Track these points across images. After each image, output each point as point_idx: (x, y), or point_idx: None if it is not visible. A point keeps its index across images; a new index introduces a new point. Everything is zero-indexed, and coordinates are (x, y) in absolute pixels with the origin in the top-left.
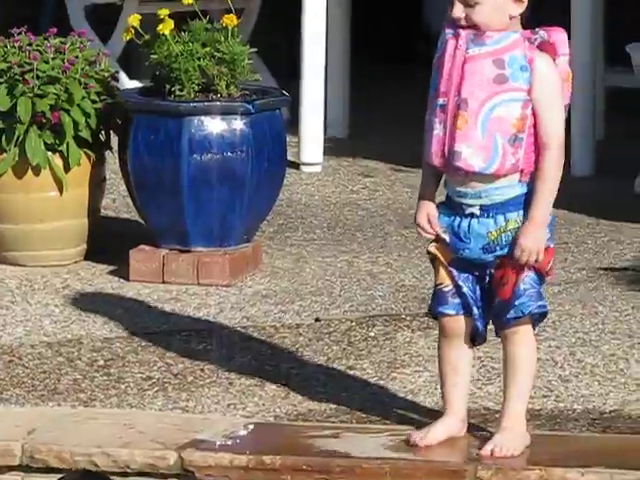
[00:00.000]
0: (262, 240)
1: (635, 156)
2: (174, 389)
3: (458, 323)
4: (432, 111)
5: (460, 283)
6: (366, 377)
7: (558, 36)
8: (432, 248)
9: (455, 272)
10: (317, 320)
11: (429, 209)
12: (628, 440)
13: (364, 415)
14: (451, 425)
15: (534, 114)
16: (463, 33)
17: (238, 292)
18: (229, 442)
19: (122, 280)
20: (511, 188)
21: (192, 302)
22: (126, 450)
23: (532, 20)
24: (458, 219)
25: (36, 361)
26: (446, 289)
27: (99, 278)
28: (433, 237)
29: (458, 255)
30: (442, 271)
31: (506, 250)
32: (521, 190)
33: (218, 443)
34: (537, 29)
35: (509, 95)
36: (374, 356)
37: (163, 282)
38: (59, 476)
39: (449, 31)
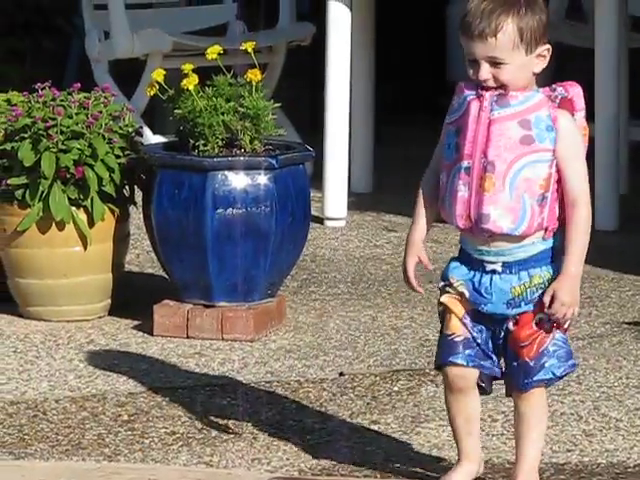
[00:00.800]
0: (286, 295)
1: None
2: (198, 444)
3: (469, 375)
4: (455, 174)
5: (475, 334)
6: (390, 431)
7: (575, 91)
8: (446, 299)
9: (470, 323)
10: (341, 374)
11: (420, 253)
12: None
13: (388, 469)
14: (471, 471)
15: (558, 171)
16: (487, 94)
17: (262, 347)
18: None
19: (146, 335)
20: (535, 245)
21: (216, 357)
22: None
23: (557, 78)
24: (478, 275)
25: (60, 416)
26: (458, 339)
27: (123, 333)
28: (421, 293)
29: (479, 309)
30: (455, 321)
31: (531, 306)
32: (545, 246)
33: None
34: (554, 85)
35: (536, 156)
36: (398, 411)
37: (187, 337)
38: None
39: (470, 92)
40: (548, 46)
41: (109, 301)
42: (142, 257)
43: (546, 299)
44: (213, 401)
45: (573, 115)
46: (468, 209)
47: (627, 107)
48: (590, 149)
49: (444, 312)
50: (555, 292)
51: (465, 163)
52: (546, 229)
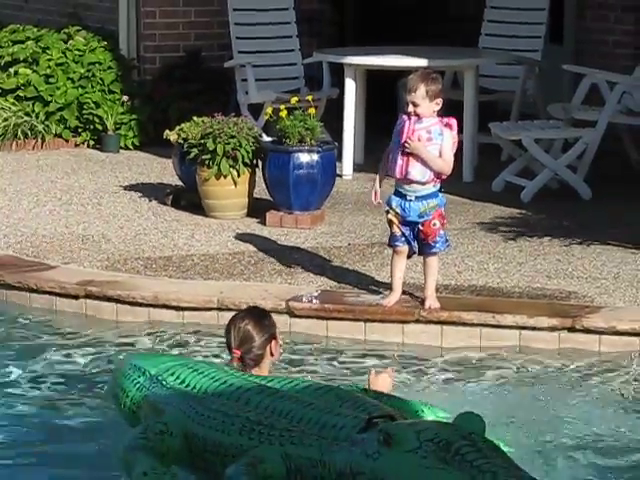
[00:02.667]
0: (325, 208)
1: None
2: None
3: (404, 248)
4: (395, 150)
5: (405, 231)
6: (371, 270)
7: (452, 121)
8: (390, 216)
9: (402, 227)
10: (349, 244)
11: (378, 189)
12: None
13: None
14: (398, 296)
15: (441, 155)
16: (413, 118)
17: (314, 232)
18: None
19: (262, 225)
20: (430, 188)
21: (294, 235)
22: None
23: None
24: (403, 201)
25: (226, 259)
26: (398, 234)
27: (252, 224)
28: (377, 203)
29: (405, 219)
30: (395, 227)
31: (429, 217)
32: (434, 189)
33: None
34: (444, 119)
35: (432, 146)
36: (375, 259)
37: (281, 227)
38: None
39: (405, 117)
40: (440, 99)
41: (246, 210)
42: (260, 190)
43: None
44: (294, 253)
45: (451, 131)
46: (401, 169)
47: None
48: (459, 147)
49: (390, 222)
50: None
51: (401, 149)
52: (434, 180)
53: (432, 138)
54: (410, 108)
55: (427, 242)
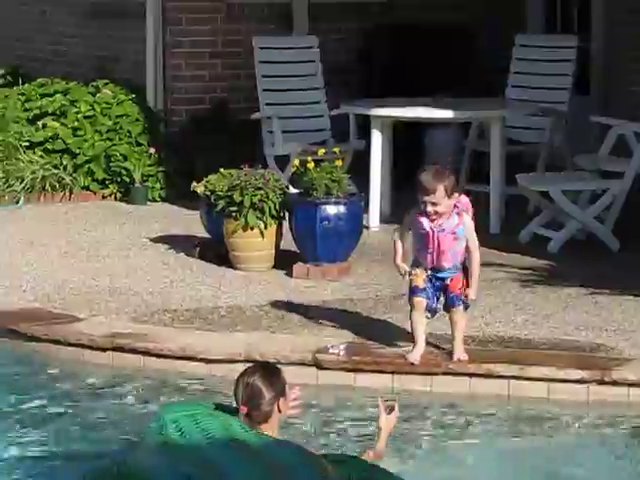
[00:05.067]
0: (352, 259)
1: None
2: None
3: (424, 301)
4: (423, 250)
5: (427, 286)
6: (397, 320)
7: (464, 202)
8: (415, 272)
9: (427, 282)
10: (377, 296)
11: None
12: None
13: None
14: (422, 348)
15: (468, 244)
16: (433, 223)
17: (341, 284)
18: None
19: (288, 277)
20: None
21: (322, 287)
22: None
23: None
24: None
25: (257, 311)
26: (420, 286)
27: (279, 277)
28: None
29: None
30: (420, 280)
31: (458, 272)
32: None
33: None
34: (457, 202)
35: (459, 242)
36: (401, 308)
37: (308, 278)
38: None
39: (422, 219)
40: (456, 192)
41: (273, 262)
42: (287, 242)
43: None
44: (321, 305)
45: (467, 214)
46: (432, 261)
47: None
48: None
49: (414, 277)
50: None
51: (430, 247)
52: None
53: (458, 237)
54: (430, 208)
55: (455, 295)
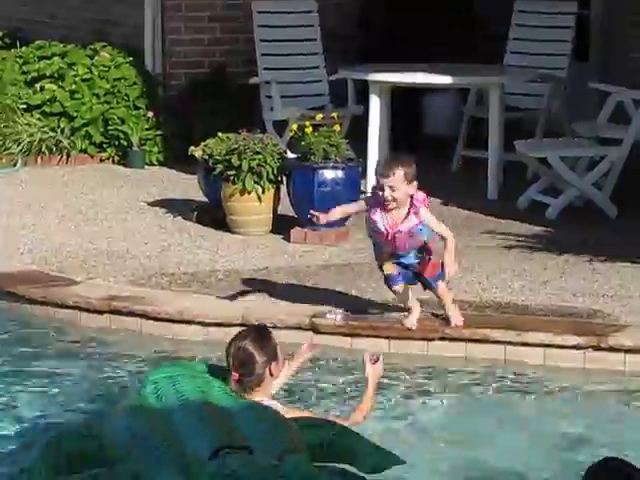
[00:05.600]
0: (349, 225)
1: None
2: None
3: (403, 287)
4: (379, 243)
5: (399, 270)
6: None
7: (422, 196)
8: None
9: (397, 267)
10: (380, 267)
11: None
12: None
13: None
14: (418, 311)
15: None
16: (390, 225)
17: (338, 248)
18: None
19: (286, 242)
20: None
21: (319, 252)
22: None
23: None
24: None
25: (254, 273)
26: (394, 273)
27: (277, 241)
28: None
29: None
30: (389, 266)
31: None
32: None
33: None
34: (414, 200)
35: (418, 237)
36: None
37: (305, 242)
38: None
39: (377, 214)
40: (416, 182)
41: (270, 227)
42: (284, 207)
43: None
44: (318, 270)
45: (425, 208)
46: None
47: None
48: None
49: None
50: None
51: (383, 239)
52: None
53: (414, 234)
54: (387, 192)
55: (429, 277)
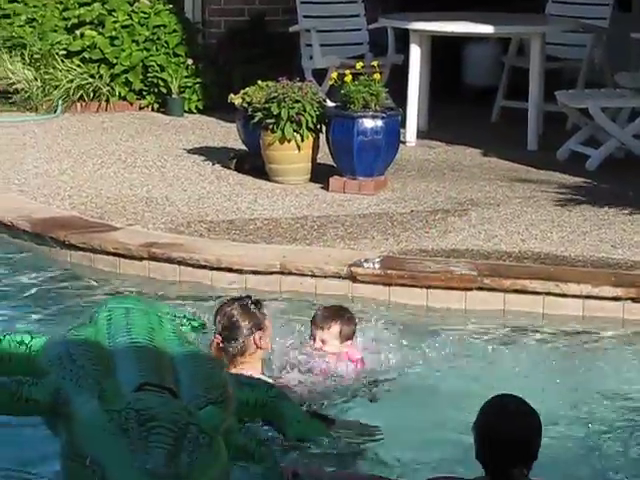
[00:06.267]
0: (388, 174)
1: None
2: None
3: None
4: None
5: None
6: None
7: (358, 356)
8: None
9: None
10: (412, 211)
11: None
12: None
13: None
14: None
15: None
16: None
17: (377, 198)
18: None
19: (325, 191)
20: None
21: (357, 200)
22: None
23: None
24: None
25: (291, 222)
26: None
27: (315, 189)
28: None
29: None
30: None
31: None
32: None
33: None
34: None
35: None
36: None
37: (344, 192)
38: None
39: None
40: (350, 342)
41: (309, 175)
42: (323, 156)
43: None
44: (357, 219)
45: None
46: None
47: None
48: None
49: None
50: None
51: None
52: None
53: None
54: (317, 344)
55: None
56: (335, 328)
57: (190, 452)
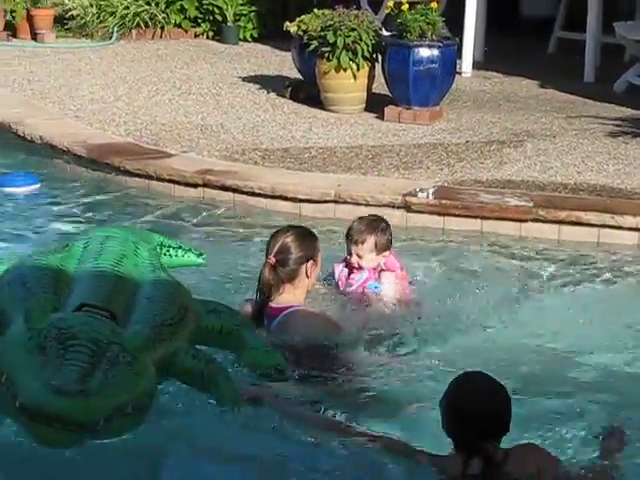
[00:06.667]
0: (443, 105)
1: None
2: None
3: None
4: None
5: None
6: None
7: (393, 261)
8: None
9: None
10: (467, 142)
11: None
12: None
13: None
14: None
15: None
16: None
17: (431, 127)
18: None
19: (380, 120)
20: None
21: (409, 129)
22: None
23: None
24: None
25: (346, 151)
26: None
27: (370, 118)
28: None
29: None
30: None
31: None
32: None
33: None
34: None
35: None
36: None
37: (399, 122)
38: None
39: (339, 267)
40: (388, 252)
41: (364, 105)
42: (379, 85)
43: None
44: (412, 149)
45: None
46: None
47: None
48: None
49: None
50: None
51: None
52: None
53: (366, 291)
54: (354, 259)
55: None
56: (370, 241)
57: (106, 370)
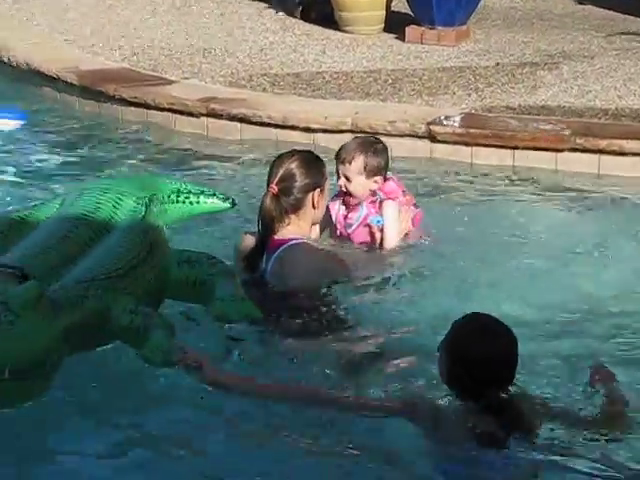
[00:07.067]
0: (470, 24)
1: None
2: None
3: None
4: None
5: None
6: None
7: (392, 187)
8: None
9: None
10: (497, 64)
11: None
12: None
13: None
14: None
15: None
16: (342, 207)
17: (457, 49)
18: None
19: (400, 42)
20: None
21: (435, 51)
22: None
23: None
24: None
25: (363, 76)
26: None
27: (389, 39)
28: None
29: None
30: None
31: None
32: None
33: None
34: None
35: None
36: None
37: (422, 43)
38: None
39: (333, 202)
40: (379, 177)
41: (383, 25)
42: (398, 3)
43: None
44: (436, 72)
45: (392, 201)
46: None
47: None
48: None
49: None
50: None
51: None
52: None
53: (373, 227)
54: (341, 181)
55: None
56: (359, 161)
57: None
